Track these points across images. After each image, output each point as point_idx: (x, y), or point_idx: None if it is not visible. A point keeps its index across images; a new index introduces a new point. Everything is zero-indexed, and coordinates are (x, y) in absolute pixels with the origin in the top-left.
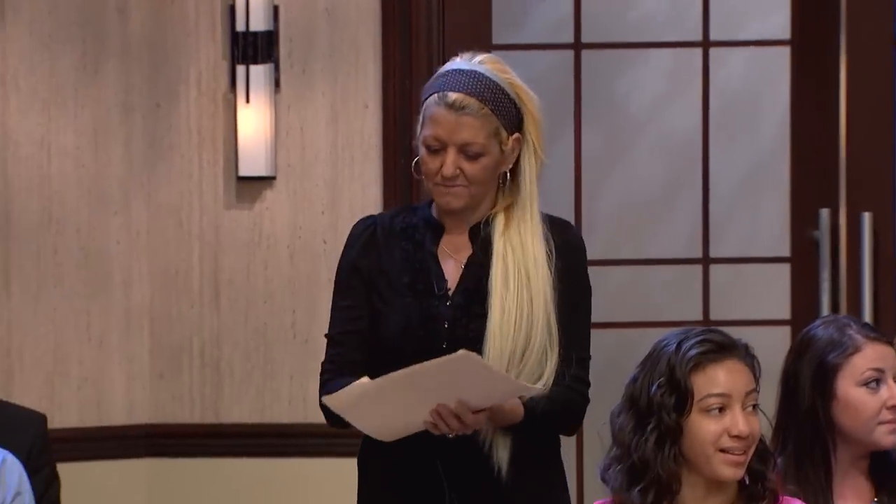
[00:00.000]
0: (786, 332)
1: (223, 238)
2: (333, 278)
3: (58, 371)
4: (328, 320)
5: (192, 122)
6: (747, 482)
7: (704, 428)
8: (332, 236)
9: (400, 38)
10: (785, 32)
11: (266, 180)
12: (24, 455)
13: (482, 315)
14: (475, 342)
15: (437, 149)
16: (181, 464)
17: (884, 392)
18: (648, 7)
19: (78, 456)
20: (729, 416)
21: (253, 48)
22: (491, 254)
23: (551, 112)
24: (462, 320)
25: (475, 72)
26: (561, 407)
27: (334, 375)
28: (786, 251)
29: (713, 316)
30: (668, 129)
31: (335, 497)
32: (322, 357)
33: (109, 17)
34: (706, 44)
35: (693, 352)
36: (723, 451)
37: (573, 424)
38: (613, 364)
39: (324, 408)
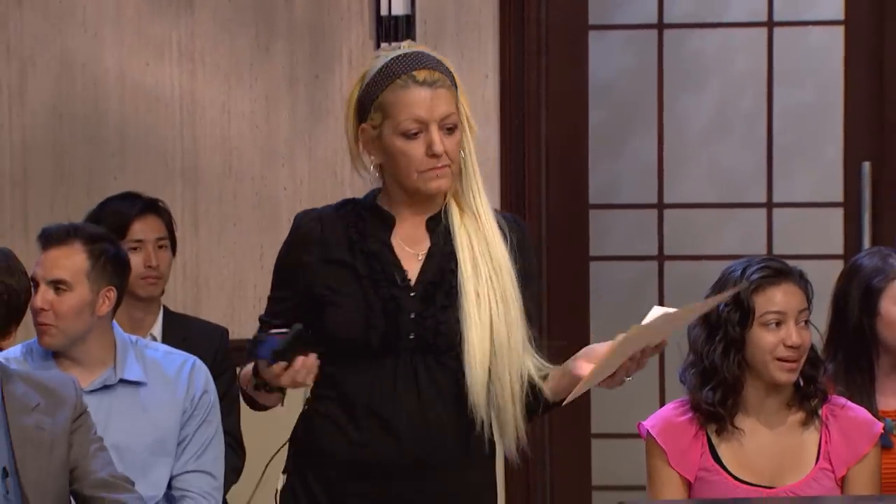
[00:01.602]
0: (839, 265)
1: (370, 185)
2: None
3: (237, 294)
4: None
5: (345, 91)
6: (801, 384)
7: (764, 339)
8: None
9: (514, 20)
10: (839, 14)
11: None
12: (209, 361)
13: (447, 306)
14: (443, 333)
15: (416, 132)
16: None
17: None
18: None
19: None
20: (784, 330)
21: (394, 29)
22: (452, 244)
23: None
24: (429, 310)
25: (421, 52)
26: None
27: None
28: (839, 197)
29: (776, 251)
30: (740, 97)
31: None
32: None
33: (278, 4)
34: (771, 24)
35: (755, 276)
36: (779, 359)
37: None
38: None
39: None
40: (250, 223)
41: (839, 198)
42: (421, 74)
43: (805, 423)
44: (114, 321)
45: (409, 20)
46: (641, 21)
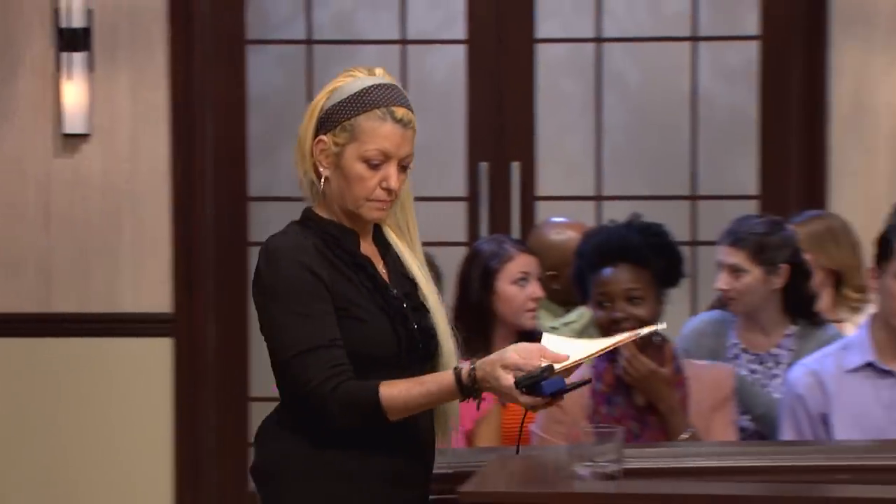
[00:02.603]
0: (463, 250)
1: (53, 179)
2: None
3: None
4: (136, 235)
5: (29, 94)
6: None
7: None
8: (131, 178)
9: (183, 34)
10: (463, 35)
11: (84, 137)
12: None
13: (426, 315)
14: (435, 341)
15: (379, 163)
16: (20, 342)
17: (529, 288)
18: (363, 15)
19: None
20: None
21: (73, 40)
22: (399, 260)
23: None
24: (422, 320)
25: (398, 88)
26: None
27: (346, 378)
28: (463, 193)
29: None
30: None
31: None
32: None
33: None
34: (404, 42)
35: None
36: None
37: None
38: None
39: (368, 412)
40: None
41: (463, 193)
42: (399, 112)
43: None
44: None
45: (88, 32)
46: (294, 36)
